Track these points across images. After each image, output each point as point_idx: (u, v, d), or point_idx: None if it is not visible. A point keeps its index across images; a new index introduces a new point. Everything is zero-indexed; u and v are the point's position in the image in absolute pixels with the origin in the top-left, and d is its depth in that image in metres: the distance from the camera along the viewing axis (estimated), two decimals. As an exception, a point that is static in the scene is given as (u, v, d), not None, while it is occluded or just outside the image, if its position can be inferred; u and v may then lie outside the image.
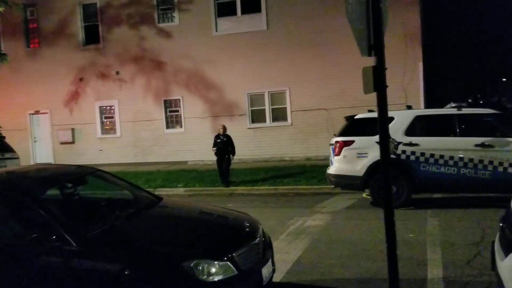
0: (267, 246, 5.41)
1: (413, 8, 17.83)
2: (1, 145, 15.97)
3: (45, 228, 4.68)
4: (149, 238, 4.99)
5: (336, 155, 10.59)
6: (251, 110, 19.79)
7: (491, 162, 9.48)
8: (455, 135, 9.92)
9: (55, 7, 21.65)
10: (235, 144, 14.29)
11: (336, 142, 10.66)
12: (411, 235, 7.88)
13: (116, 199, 6.28)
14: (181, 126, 20.69)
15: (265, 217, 8.82)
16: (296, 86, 19.09)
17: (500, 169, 9.45)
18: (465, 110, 10.06)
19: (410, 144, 9.90)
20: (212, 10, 19.95)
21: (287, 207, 11.18)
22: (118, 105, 21.26)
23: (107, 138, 21.58)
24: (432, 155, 9.79)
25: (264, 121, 19.69)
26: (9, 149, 16.20)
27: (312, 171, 14.92)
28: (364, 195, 11.36)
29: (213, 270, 4.48)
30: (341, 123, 11.74)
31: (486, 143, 9.56)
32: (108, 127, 21.65)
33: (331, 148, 11.02)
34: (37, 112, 22.38)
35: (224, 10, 19.94)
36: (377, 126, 4.61)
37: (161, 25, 20.63)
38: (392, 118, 9.76)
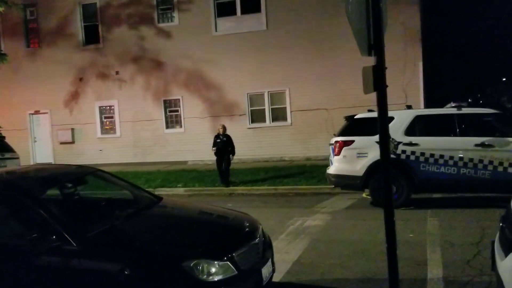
0: (267, 246, 5.41)
1: (413, 8, 17.83)
2: (1, 145, 15.96)
3: (45, 228, 4.68)
4: (149, 238, 4.99)
5: (336, 155, 10.58)
6: (251, 110, 19.80)
7: (491, 162, 9.48)
8: (455, 135, 9.92)
9: (55, 7, 21.66)
10: (235, 144, 14.29)
11: (336, 142, 10.65)
12: (411, 235, 7.88)
13: (116, 199, 6.27)
14: (181, 126, 20.69)
15: (265, 217, 8.81)
16: (296, 86, 19.09)
17: (500, 169, 9.44)
18: (465, 110, 10.05)
19: (410, 144, 9.90)
20: (211, 10, 19.95)
21: (287, 207, 11.18)
22: (118, 105, 21.26)
23: (107, 138, 21.58)
24: (432, 155, 9.79)
25: (264, 121, 19.69)
26: (9, 149, 16.19)
27: (312, 171, 14.92)
28: (364, 195, 11.36)
29: (213, 270, 4.48)
30: (341, 123, 11.74)
31: (486, 143, 9.56)
32: (108, 127, 21.66)
33: (330, 148, 11.02)
34: (37, 112, 22.38)
35: (224, 10, 19.94)
36: (377, 126, 4.60)
37: (161, 25, 20.63)
38: (392, 118, 9.75)
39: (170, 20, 20.64)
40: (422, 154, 9.84)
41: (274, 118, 19.64)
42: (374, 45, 4.47)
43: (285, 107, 19.46)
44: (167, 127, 20.84)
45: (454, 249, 7.05)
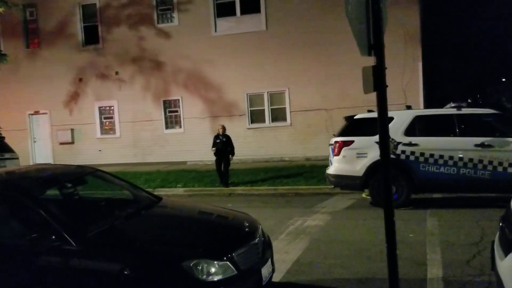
0: (267, 246, 5.41)
1: (413, 8, 17.83)
2: (1, 145, 15.98)
3: (45, 228, 4.68)
4: (148, 238, 4.99)
5: (335, 155, 10.58)
6: (251, 110, 19.80)
7: (490, 162, 9.48)
8: (455, 135, 9.92)
9: (55, 8, 21.65)
10: (235, 144, 14.29)
11: (336, 142, 10.65)
12: (411, 235, 7.88)
13: (115, 199, 6.28)
14: (180, 127, 20.70)
15: (265, 217, 8.82)
16: (296, 86, 19.09)
17: (500, 169, 9.45)
18: (465, 110, 10.05)
19: (410, 144, 9.90)
20: (211, 10, 19.95)
21: (287, 207, 11.18)
22: (118, 105, 21.26)
23: (106, 138, 21.58)
24: (431, 155, 9.79)
25: (264, 121, 19.69)
26: (9, 150, 16.20)
27: (311, 171, 14.92)
28: (363, 195, 11.36)
29: (213, 270, 4.48)
30: (341, 123, 11.75)
31: (486, 143, 9.56)
32: (107, 128, 21.65)
33: (330, 148, 11.01)
34: (36, 113, 22.38)
35: (224, 10, 19.95)
36: (377, 126, 4.60)
37: (161, 25, 20.63)
38: (391, 118, 9.76)
39: (169, 21, 20.64)
40: (422, 154, 9.84)
41: (274, 119, 19.64)
42: (374, 45, 4.47)
43: (285, 108, 19.46)
44: (167, 127, 20.85)
45: (454, 249, 7.05)
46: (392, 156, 9.57)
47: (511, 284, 3.82)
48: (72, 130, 21.79)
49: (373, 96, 4.55)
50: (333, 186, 11.24)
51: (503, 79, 50.58)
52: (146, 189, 7.08)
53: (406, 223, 8.56)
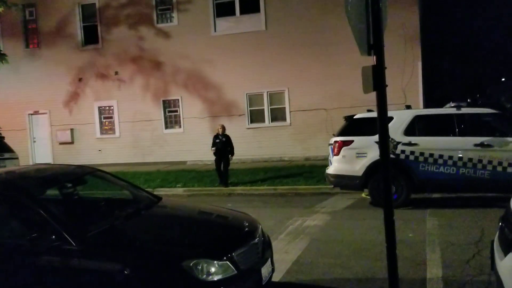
0: (266, 245, 5.41)
1: (412, 8, 17.83)
2: (0, 145, 15.96)
3: (45, 228, 4.68)
4: (148, 237, 4.99)
5: (335, 155, 10.58)
6: (250, 110, 19.80)
7: (490, 162, 9.48)
8: (454, 135, 9.92)
9: (54, 8, 21.65)
10: (234, 144, 14.30)
11: (335, 142, 10.65)
12: (411, 235, 7.88)
13: (115, 199, 6.28)
14: (180, 126, 20.70)
15: (264, 217, 8.82)
16: (295, 86, 19.09)
17: (499, 169, 9.45)
18: (464, 110, 10.04)
19: (409, 144, 9.90)
20: (210, 10, 19.95)
21: (286, 207, 11.18)
22: (117, 105, 21.26)
23: (106, 138, 21.57)
24: (431, 155, 9.79)
25: (263, 121, 19.69)
26: (8, 149, 16.19)
27: (311, 171, 14.92)
28: (363, 195, 11.37)
29: (213, 269, 4.48)
30: (340, 123, 11.75)
31: (485, 143, 9.56)
32: (107, 127, 21.65)
33: (330, 148, 11.02)
34: (36, 113, 22.37)
35: (223, 10, 19.95)
36: (376, 126, 4.60)
37: (160, 25, 20.63)
38: (391, 118, 9.76)
39: (169, 21, 20.64)
40: (422, 154, 9.84)
41: (273, 118, 19.64)
42: (374, 45, 4.48)
43: (284, 107, 19.47)
44: (166, 127, 20.85)
45: (453, 248, 7.05)
46: (391, 156, 9.58)
47: (511, 283, 3.83)
48: (71, 130, 21.79)
49: (372, 96, 4.55)
50: (332, 186, 11.25)
51: (503, 79, 50.59)
52: (146, 189, 7.08)
53: (406, 223, 8.56)
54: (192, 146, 19.93)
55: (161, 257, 4.52)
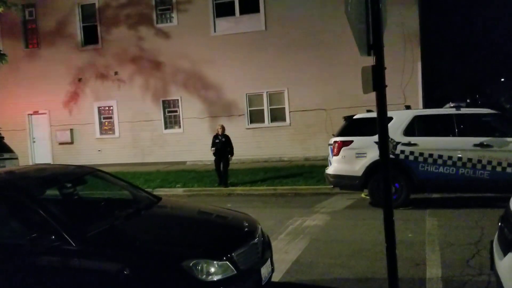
0: (266, 246, 5.42)
1: (412, 8, 17.84)
2: (0, 146, 15.96)
3: (44, 228, 4.68)
4: (148, 238, 4.99)
5: (334, 155, 10.58)
6: (250, 110, 19.80)
7: (489, 162, 9.49)
8: (454, 135, 9.92)
9: (54, 8, 21.64)
10: (234, 144, 14.30)
11: (335, 142, 10.65)
12: (410, 235, 7.88)
13: (115, 199, 6.28)
14: (179, 127, 20.70)
15: (264, 217, 8.81)
16: (295, 86, 19.09)
17: (499, 169, 9.45)
18: (464, 110, 10.05)
19: (409, 144, 9.90)
20: (210, 10, 19.96)
21: (286, 207, 11.18)
22: (117, 105, 21.25)
23: (105, 138, 21.57)
24: (430, 155, 9.79)
25: (263, 121, 19.69)
26: (8, 150, 16.19)
27: (311, 171, 14.92)
28: (363, 195, 11.37)
29: (212, 269, 4.49)
30: (340, 123, 11.74)
31: (485, 143, 9.57)
32: (106, 128, 21.65)
33: (329, 148, 11.02)
34: (35, 113, 22.36)
35: (223, 10, 19.95)
36: (376, 126, 4.60)
37: (160, 25, 20.64)
38: (390, 118, 9.76)
39: (169, 21, 20.64)
40: (421, 154, 9.84)
41: (273, 119, 19.64)
42: (373, 45, 4.48)
43: (284, 108, 19.47)
44: (166, 127, 20.85)
45: (453, 248, 7.05)
46: (391, 156, 9.58)
47: (510, 283, 3.83)
48: (71, 130, 21.78)
49: (372, 96, 4.55)
50: (332, 186, 11.24)
51: (503, 79, 50.63)
52: (146, 189, 7.09)
53: (406, 223, 8.56)
54: (191, 146, 19.93)
55: (161, 257, 4.52)
